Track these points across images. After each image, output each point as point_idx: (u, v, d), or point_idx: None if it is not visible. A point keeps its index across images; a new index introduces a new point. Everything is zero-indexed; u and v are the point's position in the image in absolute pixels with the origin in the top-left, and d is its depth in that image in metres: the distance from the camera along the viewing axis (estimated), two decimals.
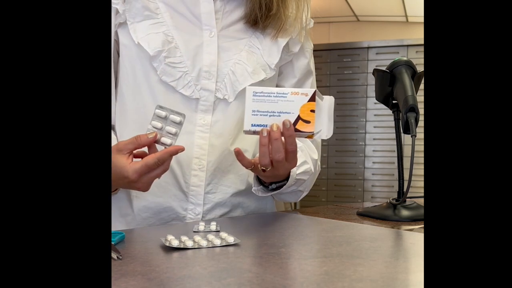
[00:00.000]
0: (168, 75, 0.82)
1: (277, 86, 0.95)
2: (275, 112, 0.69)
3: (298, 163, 0.79)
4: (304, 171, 0.86)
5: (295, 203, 4.06)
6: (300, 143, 0.89)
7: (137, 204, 0.84)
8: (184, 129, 0.77)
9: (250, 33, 0.89)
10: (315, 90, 0.69)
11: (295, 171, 0.82)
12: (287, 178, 0.81)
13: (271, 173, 0.76)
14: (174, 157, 0.77)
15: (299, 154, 0.80)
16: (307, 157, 0.89)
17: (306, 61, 0.96)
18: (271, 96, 0.69)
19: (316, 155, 0.95)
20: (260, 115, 0.69)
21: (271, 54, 0.89)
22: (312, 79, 0.99)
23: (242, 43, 0.88)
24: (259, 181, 0.84)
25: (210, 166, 0.84)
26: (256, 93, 0.69)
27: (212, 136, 0.84)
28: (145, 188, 0.73)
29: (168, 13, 0.83)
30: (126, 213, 0.85)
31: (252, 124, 0.69)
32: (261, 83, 0.87)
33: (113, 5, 0.81)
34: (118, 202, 0.85)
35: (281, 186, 0.82)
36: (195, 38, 0.85)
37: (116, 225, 0.85)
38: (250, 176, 0.88)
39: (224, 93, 0.85)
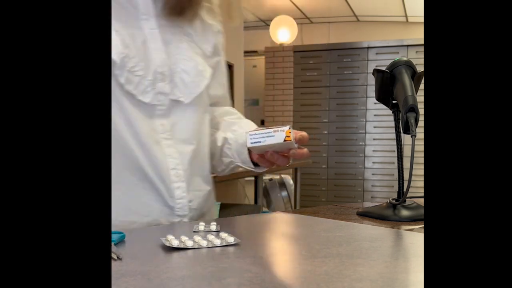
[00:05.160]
0: (129, 83, 0.73)
1: None
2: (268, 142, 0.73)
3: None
4: None
5: (295, 203, 4.06)
6: (239, 113, 0.92)
7: (126, 227, 0.75)
8: (152, 139, 0.75)
9: (188, 22, 0.81)
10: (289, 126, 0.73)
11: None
12: None
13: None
14: (155, 174, 0.76)
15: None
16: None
17: (223, 36, 0.90)
18: (263, 135, 0.71)
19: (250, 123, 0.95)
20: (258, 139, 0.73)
21: (206, 39, 0.84)
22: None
23: (177, 31, 0.80)
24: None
25: (188, 175, 0.80)
26: (251, 135, 0.72)
27: (176, 142, 0.79)
28: None
29: None
30: None
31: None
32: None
33: None
34: None
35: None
36: (137, 32, 0.75)
37: None
38: (209, 174, 0.87)
39: (178, 95, 0.79)
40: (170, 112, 0.79)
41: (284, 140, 0.68)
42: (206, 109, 0.86)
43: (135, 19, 0.76)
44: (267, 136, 0.69)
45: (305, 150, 0.73)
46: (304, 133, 0.71)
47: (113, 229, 0.73)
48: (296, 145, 0.70)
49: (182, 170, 0.79)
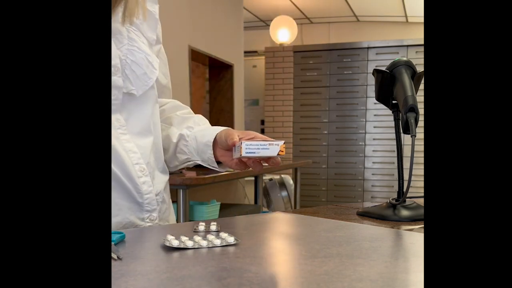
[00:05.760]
0: None
1: None
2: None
3: None
4: None
5: (295, 203, 4.06)
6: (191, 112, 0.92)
7: None
8: (113, 135, 0.74)
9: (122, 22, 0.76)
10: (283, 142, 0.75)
11: None
12: None
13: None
14: (120, 170, 0.75)
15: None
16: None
17: (159, 25, 0.88)
18: (258, 147, 0.73)
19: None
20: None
21: (150, 28, 0.82)
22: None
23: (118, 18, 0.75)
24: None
25: (150, 168, 0.79)
26: (247, 145, 0.73)
27: (133, 136, 0.78)
28: None
29: None
30: None
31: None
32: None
33: None
34: None
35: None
36: None
37: None
38: (164, 163, 0.86)
39: (130, 87, 0.76)
40: (124, 106, 0.77)
41: (278, 154, 0.70)
42: (156, 100, 0.84)
43: None
44: (262, 148, 0.71)
45: (278, 159, 0.75)
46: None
47: None
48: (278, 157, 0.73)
49: (144, 164, 0.78)
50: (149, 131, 0.80)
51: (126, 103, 0.77)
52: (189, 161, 0.87)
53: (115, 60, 0.74)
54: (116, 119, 0.75)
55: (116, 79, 0.74)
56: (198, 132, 0.85)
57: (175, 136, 0.87)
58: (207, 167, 0.86)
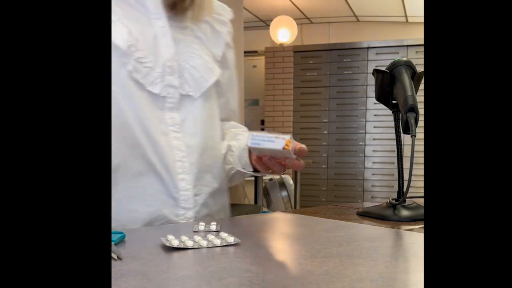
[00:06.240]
0: (137, 71, 0.76)
1: None
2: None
3: None
4: None
5: (295, 203, 4.06)
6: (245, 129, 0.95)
7: (127, 215, 0.77)
8: (160, 130, 0.78)
9: (189, 22, 0.85)
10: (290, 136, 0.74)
11: None
12: None
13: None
14: (161, 164, 0.78)
15: None
16: None
17: (233, 51, 0.95)
18: (264, 139, 0.72)
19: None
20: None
21: (215, 44, 0.88)
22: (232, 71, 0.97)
23: (188, 32, 0.85)
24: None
25: (194, 168, 0.82)
26: (253, 136, 0.73)
27: (185, 135, 0.81)
28: None
29: (113, 1, 0.77)
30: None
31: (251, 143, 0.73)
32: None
33: None
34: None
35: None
36: (147, 29, 0.79)
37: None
38: (221, 173, 0.88)
39: (187, 89, 0.82)
40: (180, 106, 0.81)
41: (283, 148, 0.69)
42: (217, 106, 0.89)
43: (146, 17, 0.80)
44: (268, 141, 0.70)
45: (301, 162, 0.74)
46: (303, 146, 0.72)
47: (114, 216, 0.76)
48: (294, 156, 0.71)
49: (188, 163, 0.81)
50: (201, 133, 0.83)
51: (185, 104, 0.82)
52: (233, 171, 0.90)
53: (172, 63, 0.79)
54: (171, 117, 0.80)
55: (172, 79, 0.79)
56: (243, 142, 0.87)
57: (224, 147, 0.90)
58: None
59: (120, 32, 0.74)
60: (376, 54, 4.72)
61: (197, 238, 0.59)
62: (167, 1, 0.81)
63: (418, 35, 4.74)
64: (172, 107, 0.80)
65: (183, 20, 0.84)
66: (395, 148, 0.89)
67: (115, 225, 0.77)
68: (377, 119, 4.74)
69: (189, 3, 0.83)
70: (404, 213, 0.81)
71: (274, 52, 5.11)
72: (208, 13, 0.89)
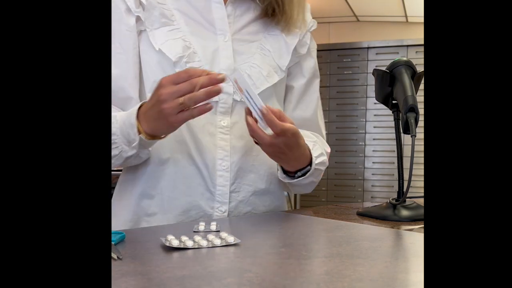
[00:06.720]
0: None
1: (286, 86, 1.00)
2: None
3: (315, 155, 0.87)
4: (321, 162, 0.91)
5: (295, 203, 4.06)
6: (314, 137, 0.95)
7: (170, 202, 0.86)
8: (206, 131, 0.86)
9: (261, 36, 0.93)
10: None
11: (315, 161, 0.88)
12: (308, 165, 0.87)
13: (285, 157, 0.82)
14: (200, 159, 0.86)
15: (316, 147, 0.89)
16: (322, 150, 0.93)
17: (313, 61, 1.05)
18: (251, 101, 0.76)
19: (328, 149, 1.00)
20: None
21: (281, 56, 0.94)
22: (318, 81, 1.08)
23: (254, 46, 0.92)
24: (283, 171, 0.89)
25: (234, 167, 0.88)
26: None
27: (233, 138, 0.88)
28: (173, 118, 0.72)
29: (183, 19, 0.86)
30: (153, 212, 0.87)
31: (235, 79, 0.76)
32: (274, 85, 0.91)
33: (135, 13, 0.84)
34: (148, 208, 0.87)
35: (306, 173, 0.87)
36: (210, 43, 0.88)
37: (142, 223, 0.86)
38: (269, 175, 0.93)
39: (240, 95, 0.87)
40: (232, 111, 0.88)
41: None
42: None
43: (212, 33, 0.88)
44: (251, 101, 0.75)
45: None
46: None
47: (159, 202, 0.86)
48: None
49: (229, 162, 0.87)
50: (248, 136, 0.85)
51: (237, 109, 0.88)
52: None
53: (228, 71, 0.86)
54: (221, 119, 0.87)
55: (225, 86, 0.83)
56: None
57: None
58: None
59: (174, 46, 0.84)
60: (376, 54, 4.72)
61: (197, 238, 0.59)
62: (266, 11, 0.91)
63: (418, 35, 4.74)
64: (224, 112, 0.87)
65: (273, 29, 0.93)
66: (395, 148, 0.89)
67: (159, 209, 0.86)
68: (377, 119, 4.74)
69: (282, 17, 0.92)
70: (404, 213, 0.81)
71: None
72: (301, 25, 0.96)
